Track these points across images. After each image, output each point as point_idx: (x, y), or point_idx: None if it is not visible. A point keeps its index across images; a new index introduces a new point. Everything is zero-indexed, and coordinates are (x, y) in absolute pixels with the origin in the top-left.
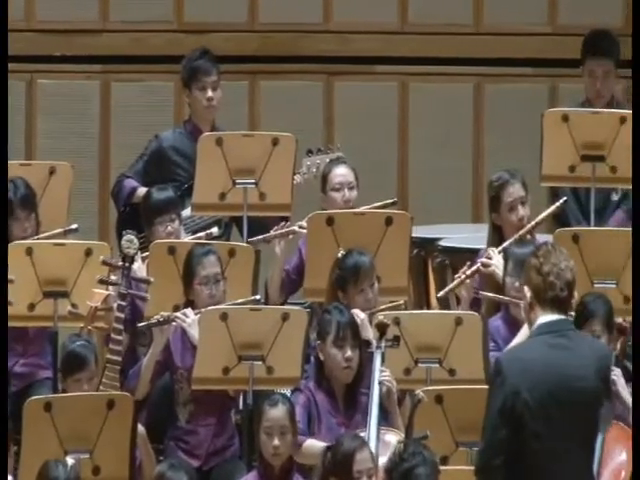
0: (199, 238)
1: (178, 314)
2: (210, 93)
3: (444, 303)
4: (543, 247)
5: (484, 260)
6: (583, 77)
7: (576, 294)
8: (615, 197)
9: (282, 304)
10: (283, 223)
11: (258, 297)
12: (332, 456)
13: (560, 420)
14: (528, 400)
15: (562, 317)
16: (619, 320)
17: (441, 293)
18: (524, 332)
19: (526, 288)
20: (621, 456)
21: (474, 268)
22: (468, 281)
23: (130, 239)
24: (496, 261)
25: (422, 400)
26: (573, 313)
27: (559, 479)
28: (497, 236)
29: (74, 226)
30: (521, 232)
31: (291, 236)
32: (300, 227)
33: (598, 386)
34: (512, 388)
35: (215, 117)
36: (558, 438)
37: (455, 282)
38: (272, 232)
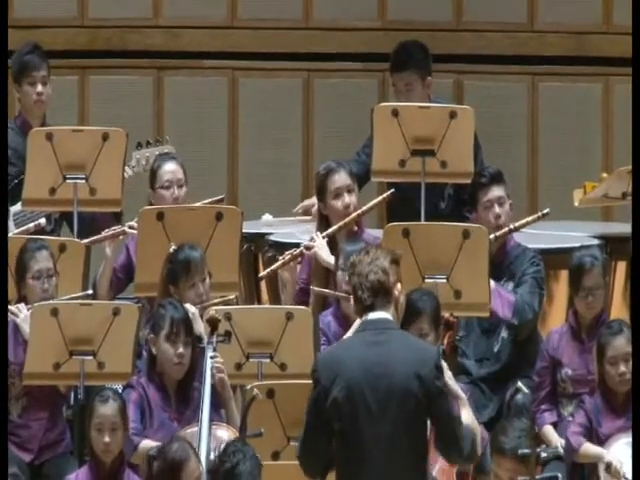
0: (27, 230)
1: (12, 309)
2: (40, 88)
3: (274, 294)
4: (359, 253)
5: (307, 243)
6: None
7: (399, 286)
8: (443, 205)
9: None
10: (115, 228)
11: (90, 292)
12: (160, 465)
13: (368, 419)
14: (338, 399)
15: (384, 315)
16: (446, 315)
17: (263, 273)
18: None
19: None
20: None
21: (297, 251)
22: (292, 264)
23: None
24: (319, 243)
25: (256, 397)
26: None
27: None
28: (324, 226)
29: None
30: (346, 219)
31: (121, 237)
32: (130, 227)
33: (413, 385)
34: (324, 386)
35: (46, 112)
36: (365, 438)
37: (278, 263)
38: (103, 234)
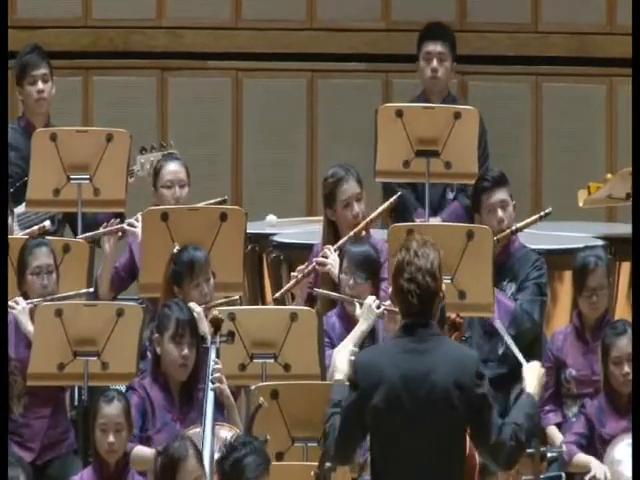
0: (32, 232)
1: (9, 302)
2: (40, 85)
3: (279, 299)
4: (407, 252)
5: (320, 259)
6: (419, 66)
7: (443, 286)
8: (451, 195)
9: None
10: (113, 220)
11: (92, 290)
12: (162, 461)
13: (406, 429)
14: (378, 406)
15: (427, 320)
16: (452, 315)
17: (277, 294)
18: (358, 330)
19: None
20: None
21: (310, 267)
22: (304, 280)
23: None
24: (332, 259)
25: (262, 406)
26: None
27: None
28: (332, 232)
29: None
30: (356, 229)
31: (120, 234)
32: (129, 224)
33: (453, 395)
34: (364, 390)
35: (49, 113)
36: (402, 446)
37: (291, 282)
38: (101, 229)
